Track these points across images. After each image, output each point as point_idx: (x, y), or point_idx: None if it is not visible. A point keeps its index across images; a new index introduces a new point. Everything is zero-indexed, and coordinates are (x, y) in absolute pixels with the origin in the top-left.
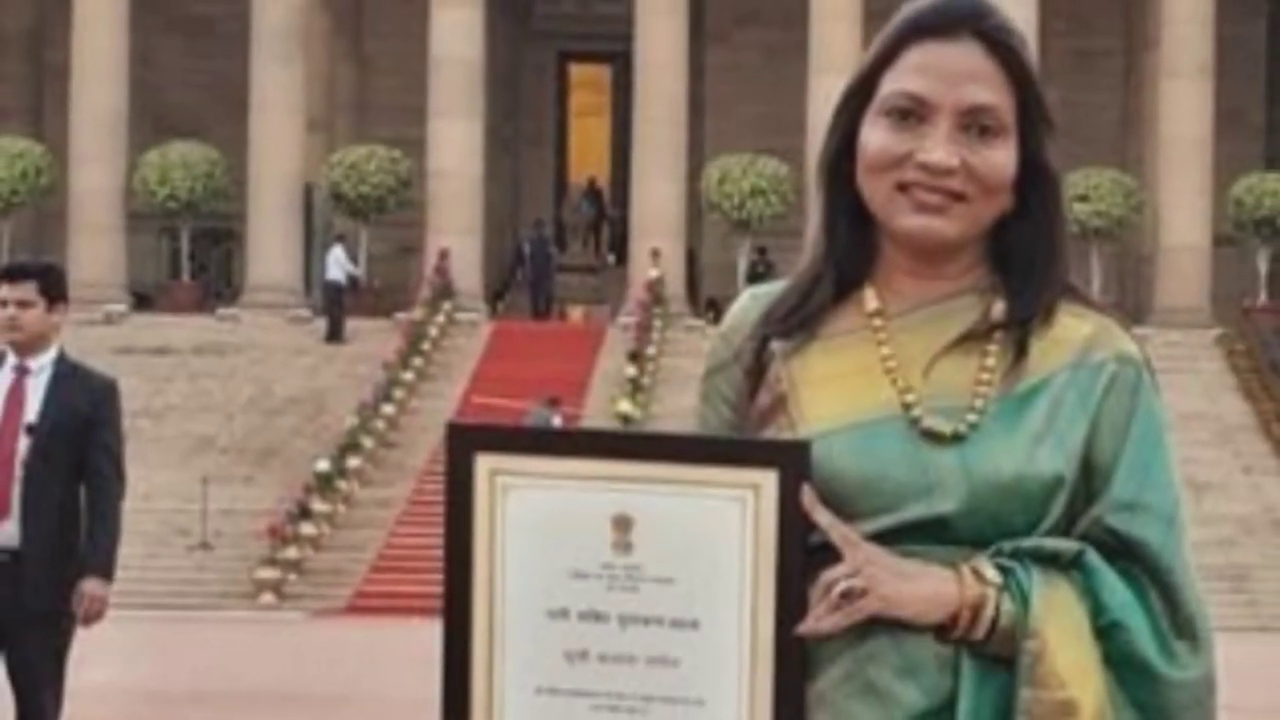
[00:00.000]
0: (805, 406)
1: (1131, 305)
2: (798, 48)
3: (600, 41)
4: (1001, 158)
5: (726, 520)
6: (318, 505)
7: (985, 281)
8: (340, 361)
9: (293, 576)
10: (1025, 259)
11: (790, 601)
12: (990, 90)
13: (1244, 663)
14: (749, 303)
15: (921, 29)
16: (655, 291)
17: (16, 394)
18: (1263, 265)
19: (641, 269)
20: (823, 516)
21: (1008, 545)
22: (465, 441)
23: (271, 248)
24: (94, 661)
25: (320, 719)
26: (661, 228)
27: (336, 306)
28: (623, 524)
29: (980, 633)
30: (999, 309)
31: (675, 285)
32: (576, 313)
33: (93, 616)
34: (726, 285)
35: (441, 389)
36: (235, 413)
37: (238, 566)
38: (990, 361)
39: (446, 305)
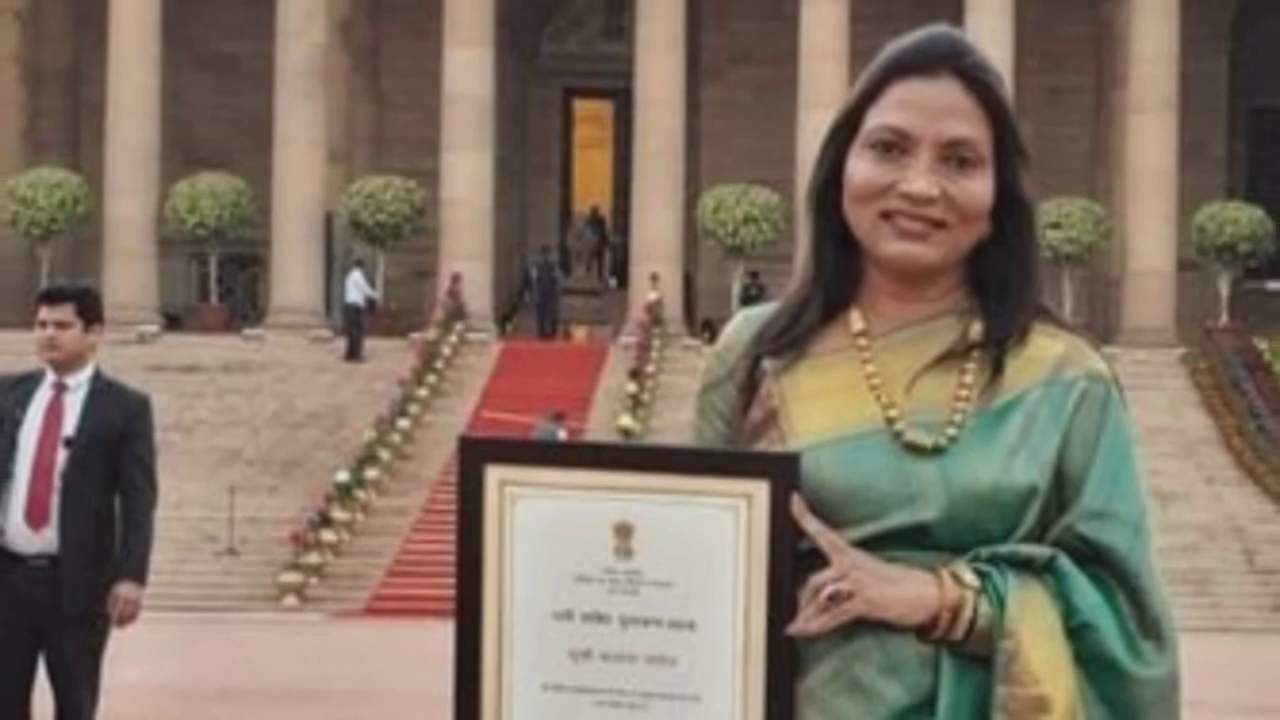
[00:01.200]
0: (795, 421)
1: (1101, 326)
2: (788, 85)
3: (603, 79)
4: (979, 188)
5: (721, 528)
6: (338, 513)
7: (964, 304)
8: (359, 379)
9: (314, 580)
10: (1001, 282)
11: (781, 604)
12: (968, 124)
13: (1206, 661)
14: (742, 324)
15: (904, 67)
16: (654, 313)
17: (55, 409)
18: (1224, 288)
19: (641, 292)
20: (811, 524)
21: (985, 551)
22: (476, 454)
23: (294, 272)
24: (128, 660)
25: (340, 714)
26: (660, 253)
27: (355, 327)
28: (624, 531)
29: (959, 633)
30: (976, 329)
31: (673, 307)
32: (580, 333)
33: (126, 618)
34: (721, 307)
35: (454, 404)
36: (260, 427)
37: (262, 571)
38: (968, 379)
39: (458, 326)
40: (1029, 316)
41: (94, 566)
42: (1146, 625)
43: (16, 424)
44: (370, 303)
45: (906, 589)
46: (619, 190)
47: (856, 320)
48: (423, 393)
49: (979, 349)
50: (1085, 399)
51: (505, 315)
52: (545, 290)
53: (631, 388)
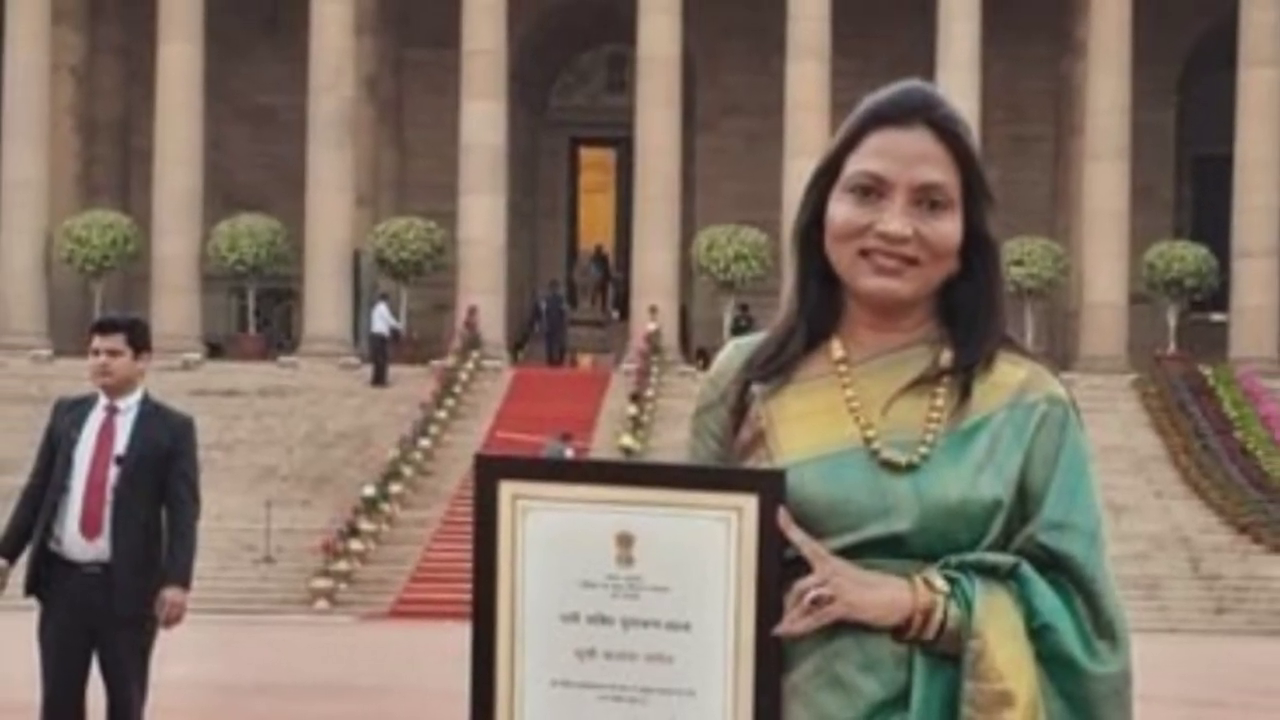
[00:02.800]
0: (781, 440)
1: (1059, 354)
2: (774, 135)
3: (606, 129)
4: (949, 228)
5: (714, 538)
6: (365, 525)
7: (935, 334)
8: (384, 402)
9: (343, 586)
10: (969, 314)
11: (768, 607)
12: (939, 170)
13: (1155, 659)
14: (733, 352)
15: (880, 118)
16: (653, 342)
17: (107, 430)
18: (1172, 320)
19: (641, 323)
20: (796, 534)
21: (954, 559)
22: (490, 470)
23: (325, 305)
24: (174, 658)
25: (366, 708)
26: (658, 288)
27: (381, 355)
28: (625, 541)
29: (931, 633)
30: (946, 357)
31: (670, 337)
32: (585, 360)
33: (173, 620)
34: (714, 337)
35: (470, 426)
36: (294, 446)
37: (296, 577)
38: (939, 402)
39: (474, 354)
40: (994, 345)
41: (143, 573)
42: (1101, 626)
43: (72, 443)
44: (394, 333)
45: (883, 593)
46: (621, 230)
47: (837, 349)
48: (442, 415)
49: (949, 375)
50: (1045, 420)
51: (517, 344)
52: (553, 321)
53: (632, 410)
